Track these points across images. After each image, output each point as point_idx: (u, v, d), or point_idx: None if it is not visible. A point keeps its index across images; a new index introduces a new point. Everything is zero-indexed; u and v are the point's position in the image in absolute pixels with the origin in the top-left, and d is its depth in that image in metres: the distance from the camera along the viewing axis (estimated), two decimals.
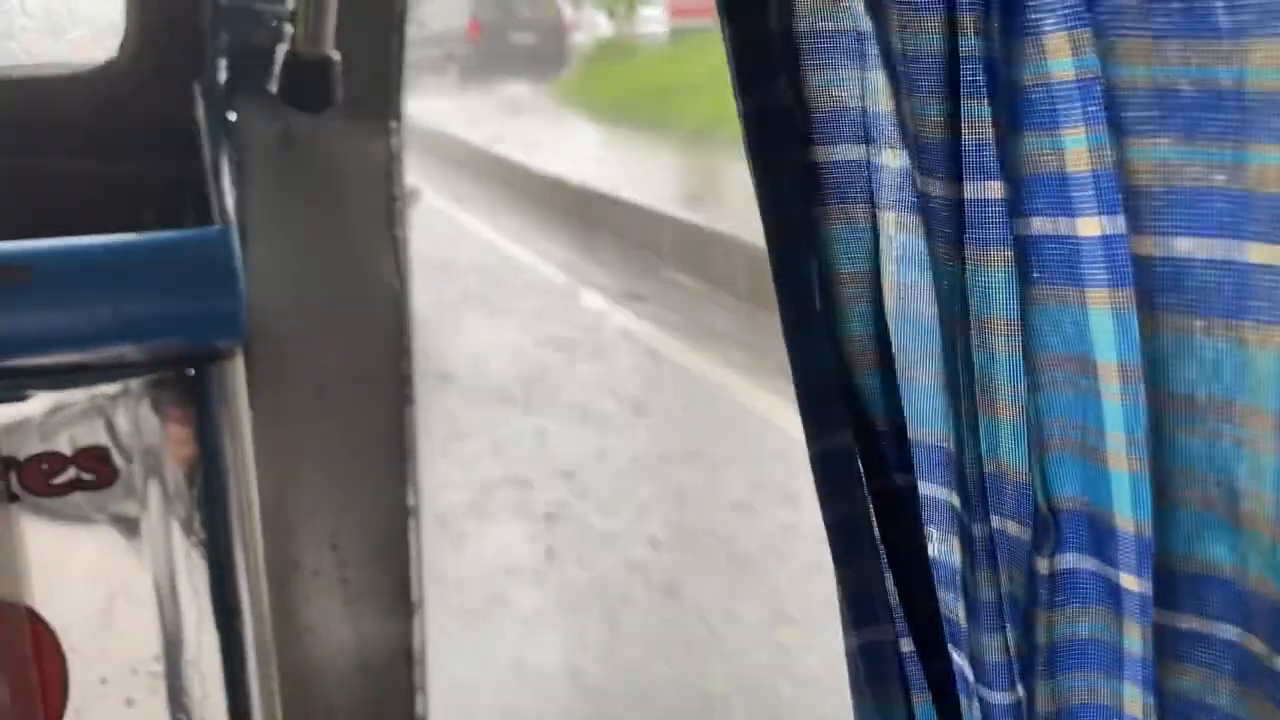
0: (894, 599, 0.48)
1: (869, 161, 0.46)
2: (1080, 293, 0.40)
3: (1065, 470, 0.43)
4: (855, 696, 0.48)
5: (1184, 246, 0.35)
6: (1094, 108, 0.38)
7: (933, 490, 0.48)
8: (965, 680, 0.46)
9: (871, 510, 0.48)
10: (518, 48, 17.02)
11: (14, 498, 1.01)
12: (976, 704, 0.45)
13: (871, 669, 0.47)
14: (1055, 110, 0.38)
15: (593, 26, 19.56)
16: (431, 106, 10.77)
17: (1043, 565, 0.43)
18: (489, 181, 9.68)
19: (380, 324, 1.13)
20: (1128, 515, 0.41)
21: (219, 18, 0.99)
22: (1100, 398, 0.40)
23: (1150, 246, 0.36)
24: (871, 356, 0.47)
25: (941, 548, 0.47)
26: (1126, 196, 0.36)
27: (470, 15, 17.62)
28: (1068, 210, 0.39)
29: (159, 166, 1.04)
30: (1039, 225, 0.40)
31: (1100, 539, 0.42)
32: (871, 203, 0.46)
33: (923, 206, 0.43)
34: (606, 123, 11.49)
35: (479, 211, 8.47)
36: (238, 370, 1.01)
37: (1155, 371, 0.37)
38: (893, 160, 0.46)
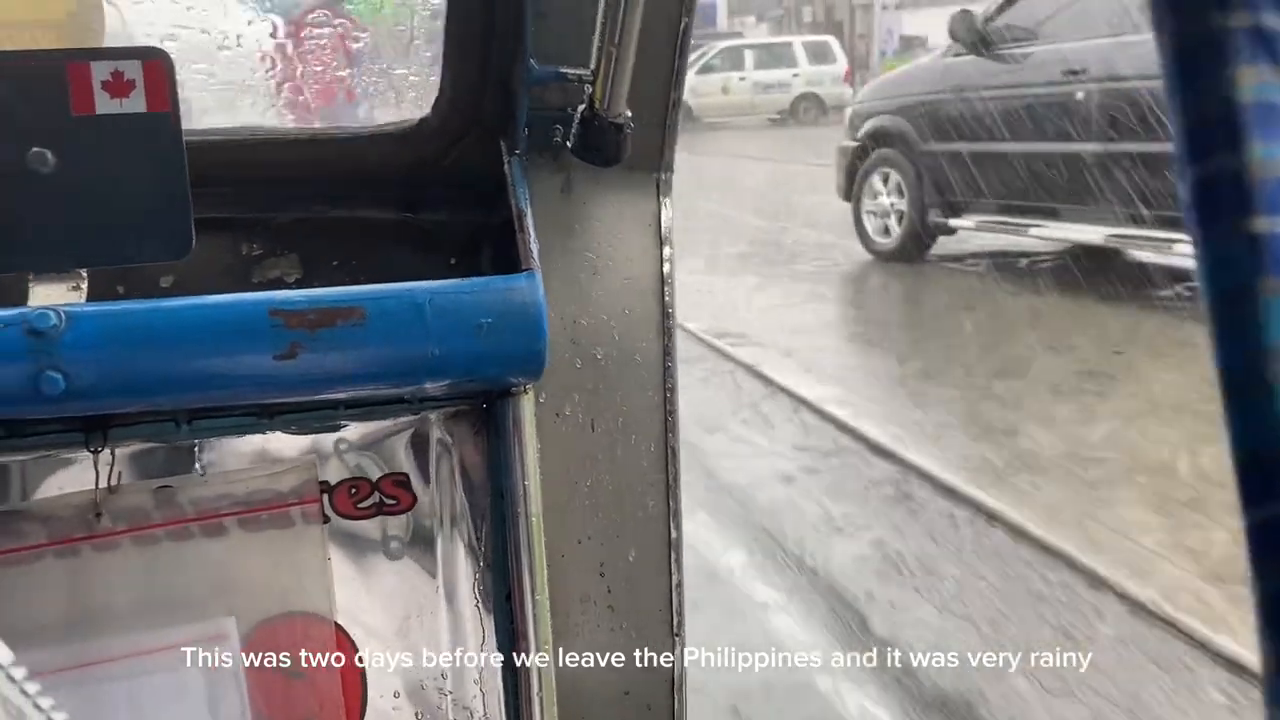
0: None
1: None
2: None
3: None
4: None
5: None
6: None
7: None
8: None
9: None
10: None
11: (325, 519, 1.09)
12: None
13: None
14: None
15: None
16: None
17: None
18: None
19: (647, 366, 1.19)
20: None
21: (528, 79, 1.06)
22: None
23: None
24: None
25: None
26: None
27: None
28: None
29: (468, 215, 1.13)
30: None
31: None
32: None
33: None
34: None
35: None
36: (528, 404, 1.08)
37: None
38: None
